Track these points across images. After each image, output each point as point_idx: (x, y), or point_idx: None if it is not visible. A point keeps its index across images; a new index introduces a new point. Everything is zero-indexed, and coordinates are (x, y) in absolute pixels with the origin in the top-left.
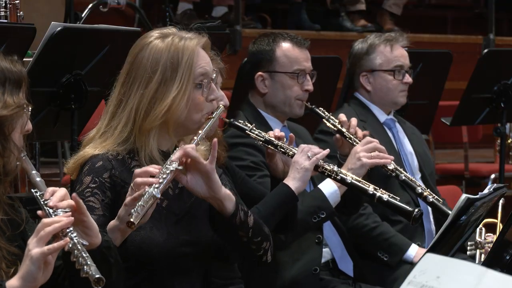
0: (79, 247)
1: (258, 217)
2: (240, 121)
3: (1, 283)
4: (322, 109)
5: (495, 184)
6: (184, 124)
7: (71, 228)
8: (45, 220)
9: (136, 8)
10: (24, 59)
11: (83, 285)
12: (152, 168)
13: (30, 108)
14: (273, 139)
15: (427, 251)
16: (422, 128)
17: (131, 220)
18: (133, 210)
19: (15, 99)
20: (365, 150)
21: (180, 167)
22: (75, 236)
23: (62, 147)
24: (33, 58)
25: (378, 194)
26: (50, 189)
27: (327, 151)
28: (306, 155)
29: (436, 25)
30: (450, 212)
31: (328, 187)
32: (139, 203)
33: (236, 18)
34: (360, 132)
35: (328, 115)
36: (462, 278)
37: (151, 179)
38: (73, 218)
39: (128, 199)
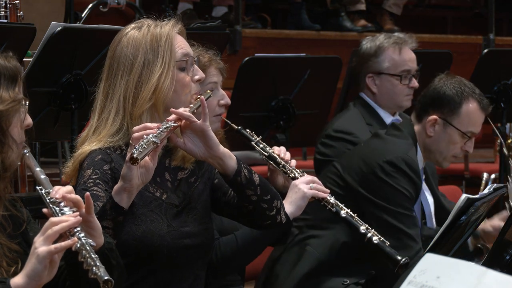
0: (88, 247)
1: (250, 237)
2: (247, 130)
3: (5, 281)
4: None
5: (495, 184)
6: (173, 105)
7: (79, 228)
8: (52, 219)
9: (136, 8)
10: (24, 59)
11: (86, 287)
12: (150, 124)
13: (27, 103)
14: (276, 156)
15: (427, 251)
16: None
17: (134, 155)
18: (134, 149)
19: (10, 93)
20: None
21: (176, 124)
22: (83, 236)
23: (62, 147)
24: (33, 58)
25: (369, 234)
26: (57, 187)
27: (327, 192)
28: (307, 183)
29: (436, 25)
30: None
31: None
32: (140, 144)
33: (236, 18)
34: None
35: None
36: (462, 278)
37: (148, 130)
38: (80, 218)
39: (128, 154)
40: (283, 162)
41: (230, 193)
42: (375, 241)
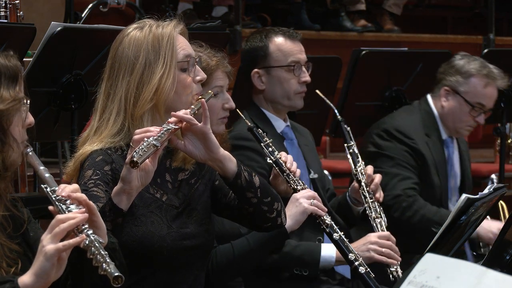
0: (97, 244)
1: (247, 248)
2: (259, 130)
3: (13, 279)
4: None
5: (495, 184)
6: (174, 106)
7: (86, 225)
8: (59, 216)
9: (136, 8)
10: (24, 59)
11: (88, 286)
12: (152, 128)
13: (28, 102)
14: (282, 163)
15: (427, 251)
16: None
17: (134, 159)
18: (134, 152)
19: (11, 92)
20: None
21: (176, 126)
22: (91, 233)
23: (62, 147)
24: (33, 58)
25: (356, 263)
26: (63, 185)
27: (325, 211)
28: (308, 198)
29: (436, 25)
30: None
31: (328, 250)
32: (140, 147)
33: (236, 18)
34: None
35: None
36: (462, 278)
37: (149, 133)
38: (87, 214)
39: (128, 157)
40: (288, 171)
41: (231, 194)
42: (361, 271)
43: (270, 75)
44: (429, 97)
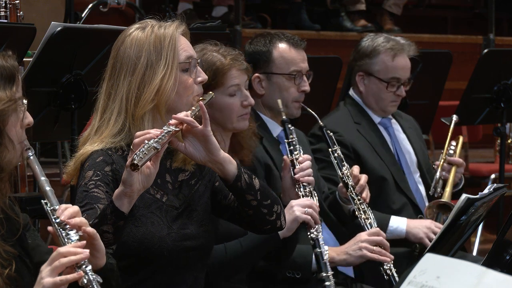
0: (95, 285)
1: (239, 251)
2: (289, 125)
3: None
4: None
5: (495, 184)
6: (175, 106)
7: (86, 261)
8: (61, 250)
9: (136, 8)
10: (24, 59)
11: None
12: (153, 130)
13: (25, 101)
14: (297, 164)
15: (427, 251)
16: (422, 128)
17: (135, 162)
18: (135, 155)
19: (7, 93)
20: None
21: (177, 128)
22: (89, 271)
23: (62, 147)
24: (33, 58)
25: (325, 283)
26: (63, 206)
27: (318, 223)
28: (303, 207)
29: (436, 25)
30: None
31: None
32: (141, 149)
33: (236, 18)
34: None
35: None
36: (462, 278)
37: (149, 135)
38: (88, 251)
39: (129, 160)
40: (297, 175)
41: (231, 196)
42: None
43: (271, 81)
44: (350, 90)
